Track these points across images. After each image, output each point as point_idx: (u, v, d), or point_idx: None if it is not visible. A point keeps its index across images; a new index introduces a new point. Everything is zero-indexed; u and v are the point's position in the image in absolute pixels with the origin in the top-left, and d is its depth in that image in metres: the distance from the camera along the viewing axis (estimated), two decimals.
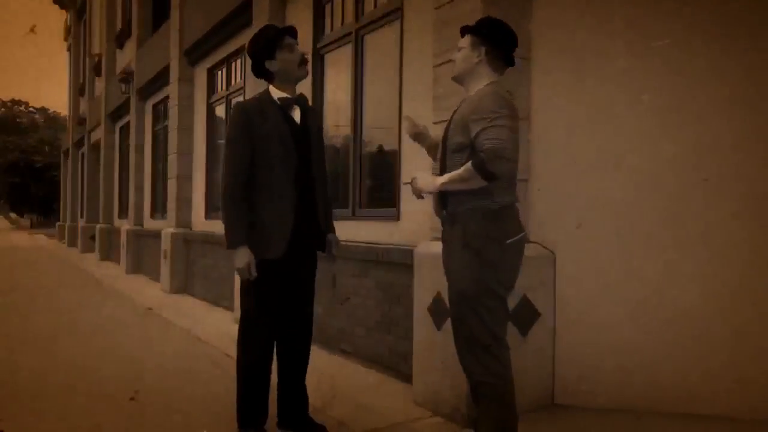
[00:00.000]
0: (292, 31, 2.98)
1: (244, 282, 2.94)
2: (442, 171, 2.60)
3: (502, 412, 2.52)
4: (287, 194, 2.88)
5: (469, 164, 2.38)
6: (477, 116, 2.40)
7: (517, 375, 3.33)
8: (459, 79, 2.69)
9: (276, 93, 2.95)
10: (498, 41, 2.60)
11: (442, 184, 2.50)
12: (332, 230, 3.19)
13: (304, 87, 5.57)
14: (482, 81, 2.60)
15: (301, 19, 5.69)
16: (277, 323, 2.99)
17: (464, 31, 2.67)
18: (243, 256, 2.82)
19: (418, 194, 2.72)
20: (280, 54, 2.90)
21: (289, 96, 2.95)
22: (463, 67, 2.63)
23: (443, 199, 2.61)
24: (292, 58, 2.91)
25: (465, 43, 2.64)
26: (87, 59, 18.23)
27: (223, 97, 7.92)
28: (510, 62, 2.67)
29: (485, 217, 2.46)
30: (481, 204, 2.46)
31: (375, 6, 4.82)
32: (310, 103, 3.14)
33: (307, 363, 3.15)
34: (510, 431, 2.54)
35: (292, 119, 2.95)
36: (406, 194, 4.24)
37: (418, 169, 4.03)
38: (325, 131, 5.49)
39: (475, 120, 2.40)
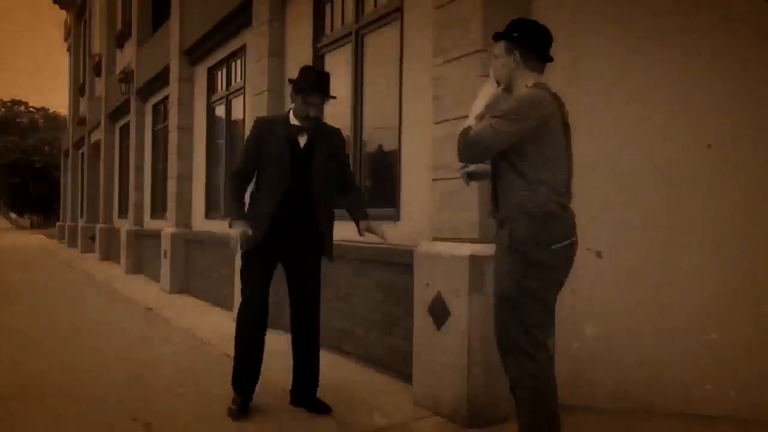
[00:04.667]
0: (325, 93, 3.39)
1: (241, 266, 3.50)
2: (492, 170, 2.65)
3: (537, 415, 2.50)
4: (274, 199, 3.35)
5: (464, 132, 2.51)
6: (499, 111, 2.47)
7: None
8: (503, 84, 2.68)
9: (292, 119, 3.43)
10: (530, 42, 2.59)
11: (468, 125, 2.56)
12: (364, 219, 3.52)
13: None
14: (524, 82, 2.61)
15: (301, 19, 5.69)
16: (264, 303, 3.45)
17: (497, 37, 2.65)
18: (237, 227, 3.35)
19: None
20: (300, 97, 3.35)
21: (300, 125, 3.41)
22: (502, 74, 2.64)
23: (496, 202, 2.62)
24: (303, 109, 3.36)
25: (499, 49, 2.63)
26: (87, 59, 18.23)
27: (223, 97, 7.92)
28: (547, 59, 2.65)
29: (532, 222, 2.46)
30: (529, 209, 2.46)
31: (375, 6, 4.82)
32: (331, 127, 3.61)
33: (316, 352, 3.54)
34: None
35: (296, 143, 3.40)
36: (406, 194, 4.24)
37: (417, 169, 4.06)
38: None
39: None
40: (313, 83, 3.33)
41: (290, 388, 3.56)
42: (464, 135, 2.50)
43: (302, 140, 3.40)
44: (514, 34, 2.59)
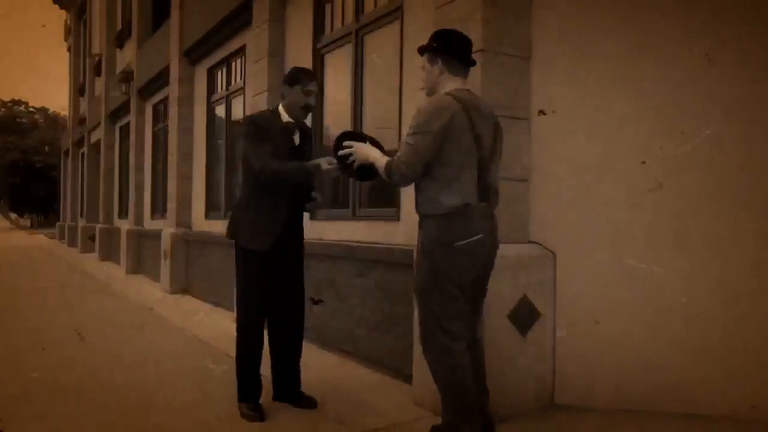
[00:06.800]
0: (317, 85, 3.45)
1: (239, 274, 3.41)
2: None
3: (454, 400, 2.74)
4: (282, 198, 3.33)
5: (384, 163, 2.79)
6: (408, 131, 2.75)
7: (516, 375, 3.35)
8: (430, 94, 2.92)
9: (284, 116, 3.41)
10: (449, 48, 2.82)
11: (369, 161, 2.91)
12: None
13: None
14: (448, 88, 2.82)
15: (301, 19, 5.69)
16: (268, 309, 3.43)
17: (421, 51, 2.91)
18: (318, 164, 3.21)
19: (349, 160, 3.00)
20: (297, 88, 3.36)
21: (292, 121, 3.42)
22: (429, 81, 2.89)
23: (417, 204, 2.85)
24: (300, 99, 3.37)
25: (424, 61, 2.90)
26: (87, 59, 18.22)
27: (223, 97, 7.92)
28: (469, 63, 2.88)
29: (436, 222, 2.72)
30: (432, 209, 2.72)
31: (375, 6, 4.82)
32: (309, 126, 3.68)
33: (300, 347, 3.56)
34: (465, 418, 2.72)
35: (292, 140, 3.42)
36: (406, 194, 4.24)
37: None
38: (325, 131, 5.54)
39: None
40: (309, 73, 3.44)
41: (273, 384, 3.54)
42: (389, 165, 2.75)
43: (296, 138, 3.45)
44: (434, 44, 2.83)
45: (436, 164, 2.68)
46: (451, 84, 2.82)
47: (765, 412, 3.26)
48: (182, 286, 8.62)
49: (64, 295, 8.54)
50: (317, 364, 4.39)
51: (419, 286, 2.80)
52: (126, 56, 13.23)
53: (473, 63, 2.90)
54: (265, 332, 3.51)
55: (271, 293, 3.43)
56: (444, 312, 2.72)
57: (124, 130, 13.60)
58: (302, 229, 3.55)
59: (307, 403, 3.46)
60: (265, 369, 3.50)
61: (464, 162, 2.69)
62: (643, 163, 3.44)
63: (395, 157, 2.73)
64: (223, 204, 7.71)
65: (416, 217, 4.01)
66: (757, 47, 3.30)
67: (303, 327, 3.57)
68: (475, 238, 2.69)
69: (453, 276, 2.70)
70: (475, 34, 3.36)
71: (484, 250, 2.77)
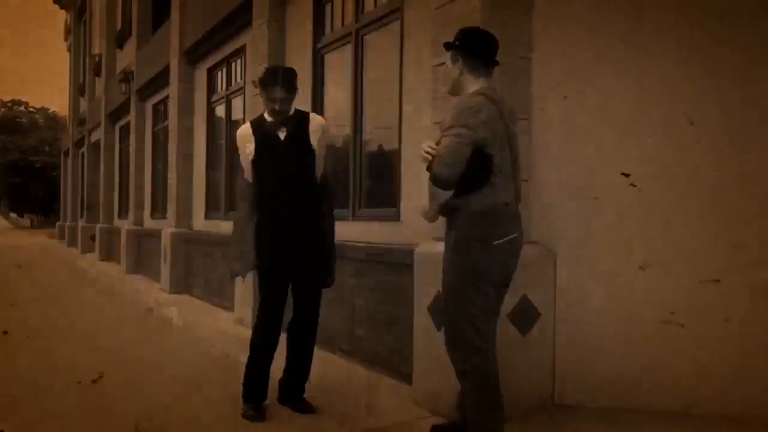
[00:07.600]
0: (288, 87, 3.39)
1: (259, 285, 3.54)
2: None
3: (483, 399, 2.68)
4: (275, 210, 3.42)
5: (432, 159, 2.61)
6: (444, 129, 2.64)
7: (516, 375, 3.35)
8: (452, 93, 2.87)
9: (267, 116, 3.48)
10: (471, 49, 2.75)
11: (429, 204, 2.83)
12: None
13: (304, 87, 5.58)
14: (470, 89, 2.75)
15: (301, 19, 5.69)
16: (280, 316, 3.48)
17: (445, 47, 2.84)
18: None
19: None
20: (265, 93, 3.39)
21: (274, 120, 3.44)
22: (451, 80, 2.83)
23: (445, 204, 2.79)
24: (268, 103, 3.39)
25: (446, 58, 2.83)
26: (87, 59, 18.22)
27: (223, 97, 7.92)
28: (492, 63, 2.80)
29: (473, 219, 2.65)
30: (470, 206, 2.65)
31: (375, 6, 4.82)
32: (308, 119, 3.57)
33: (311, 354, 3.60)
34: (494, 417, 2.67)
35: (276, 136, 3.43)
36: (406, 194, 4.24)
37: (418, 169, 4.05)
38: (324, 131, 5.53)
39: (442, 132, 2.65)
40: (275, 78, 3.37)
41: (279, 386, 3.57)
42: (435, 162, 2.55)
43: (282, 133, 3.43)
44: (456, 43, 2.76)
45: (472, 163, 2.59)
46: (474, 84, 2.74)
47: (765, 411, 3.26)
48: (182, 285, 8.61)
49: (63, 295, 8.54)
50: (317, 364, 4.38)
51: (451, 284, 2.72)
52: (126, 56, 13.23)
53: (496, 63, 2.82)
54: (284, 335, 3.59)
55: (285, 300, 3.51)
56: (478, 312, 2.66)
57: (124, 130, 13.61)
58: (320, 234, 3.51)
59: (306, 409, 3.46)
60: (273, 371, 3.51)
61: (501, 162, 2.68)
62: (642, 163, 3.44)
63: (434, 161, 2.57)
64: (223, 204, 7.71)
65: (416, 217, 4.03)
66: (756, 49, 3.30)
67: (313, 338, 3.59)
68: (511, 236, 2.69)
69: (490, 274, 2.67)
70: None
71: (517, 250, 2.76)
